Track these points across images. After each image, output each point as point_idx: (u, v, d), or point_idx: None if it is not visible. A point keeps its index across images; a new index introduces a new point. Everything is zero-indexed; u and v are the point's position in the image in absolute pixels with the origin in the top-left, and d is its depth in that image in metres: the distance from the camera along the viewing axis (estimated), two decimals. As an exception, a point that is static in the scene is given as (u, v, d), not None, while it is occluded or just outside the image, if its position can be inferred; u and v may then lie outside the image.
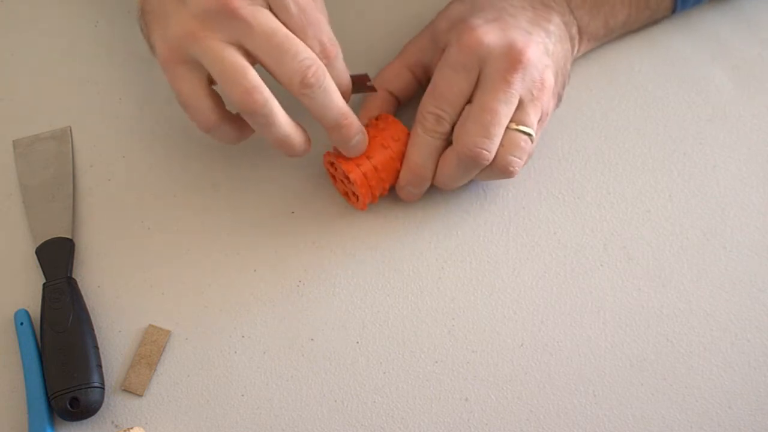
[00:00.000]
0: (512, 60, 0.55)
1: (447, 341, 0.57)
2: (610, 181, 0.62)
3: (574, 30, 0.62)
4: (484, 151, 0.55)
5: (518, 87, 0.55)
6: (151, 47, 0.56)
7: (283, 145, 0.55)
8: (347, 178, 0.57)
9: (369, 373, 0.57)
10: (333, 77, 0.54)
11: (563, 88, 0.60)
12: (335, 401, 0.56)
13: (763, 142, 0.63)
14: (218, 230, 0.61)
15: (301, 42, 0.52)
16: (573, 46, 0.62)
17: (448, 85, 0.56)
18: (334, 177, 0.61)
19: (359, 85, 0.58)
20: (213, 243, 0.61)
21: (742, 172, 0.63)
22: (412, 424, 0.55)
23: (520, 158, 0.56)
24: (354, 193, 0.59)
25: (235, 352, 0.57)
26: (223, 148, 0.63)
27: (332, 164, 0.59)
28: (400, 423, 0.55)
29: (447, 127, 0.57)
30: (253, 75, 0.52)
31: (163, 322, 0.58)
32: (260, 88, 0.52)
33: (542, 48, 0.57)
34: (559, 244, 0.60)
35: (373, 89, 0.59)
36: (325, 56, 0.53)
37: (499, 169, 0.57)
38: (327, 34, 0.54)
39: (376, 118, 0.59)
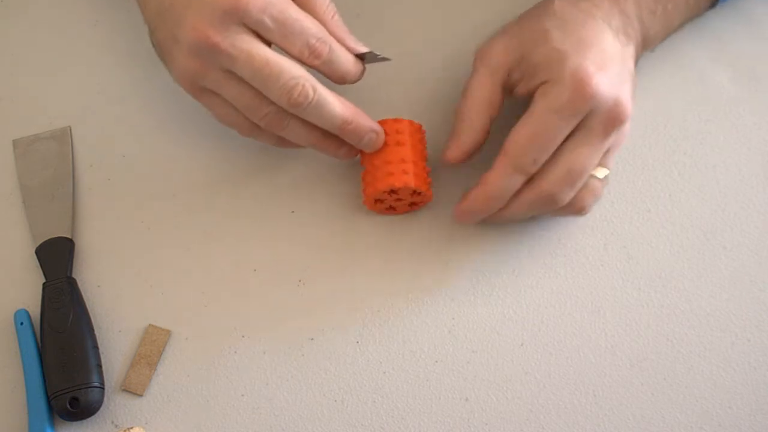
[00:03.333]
0: (615, 117, 0.54)
1: (447, 341, 0.57)
2: (610, 180, 0.62)
3: (640, 38, 0.60)
4: (564, 198, 0.55)
5: (612, 141, 0.55)
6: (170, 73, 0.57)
7: None
8: (401, 190, 0.57)
9: (369, 373, 0.56)
10: (334, 68, 0.55)
11: None
12: (335, 401, 0.56)
13: (763, 142, 0.63)
14: (218, 230, 0.61)
15: (283, 60, 0.53)
16: (636, 62, 0.61)
17: (553, 133, 0.54)
18: (383, 206, 0.60)
19: (371, 59, 0.57)
20: (213, 243, 0.61)
21: (742, 172, 0.62)
22: (412, 424, 0.55)
23: (593, 203, 0.57)
24: (415, 201, 0.59)
25: (235, 352, 0.57)
26: (223, 148, 0.64)
27: (380, 200, 0.59)
28: (400, 423, 0.55)
29: (539, 167, 0.55)
30: (266, 104, 0.54)
31: (163, 322, 0.58)
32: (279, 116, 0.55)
33: (630, 96, 0.56)
34: (560, 244, 0.60)
35: (385, 59, 0.58)
36: (316, 57, 0.54)
37: (571, 211, 0.57)
38: (313, 34, 0.54)
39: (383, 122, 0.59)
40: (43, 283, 0.58)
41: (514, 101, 0.58)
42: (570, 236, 0.60)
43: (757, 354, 0.57)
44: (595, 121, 0.54)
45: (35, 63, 0.68)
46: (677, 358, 0.57)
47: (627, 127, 0.56)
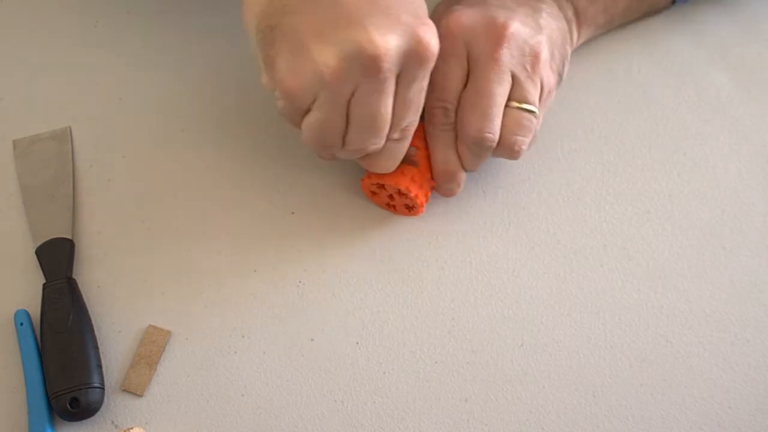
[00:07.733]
0: (495, 36, 0.55)
1: (447, 342, 0.57)
2: (610, 181, 0.62)
3: (570, 13, 0.61)
4: (488, 134, 0.55)
5: (508, 63, 0.55)
6: (268, 66, 0.51)
7: None
8: (400, 193, 0.58)
9: (369, 373, 0.57)
10: (391, 149, 0.55)
11: (563, 66, 0.60)
12: (335, 401, 0.56)
13: (763, 142, 0.64)
14: (218, 230, 0.61)
15: (387, 126, 0.52)
16: (571, 30, 0.62)
17: (442, 76, 0.56)
18: (376, 197, 0.61)
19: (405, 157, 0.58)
20: (213, 243, 0.61)
21: (742, 172, 0.63)
22: (412, 424, 0.55)
23: (524, 137, 0.56)
24: (408, 205, 0.59)
25: (235, 352, 0.57)
26: (222, 148, 0.64)
27: (376, 185, 0.59)
28: (400, 423, 0.55)
29: (454, 117, 0.57)
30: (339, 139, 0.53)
31: (163, 322, 0.58)
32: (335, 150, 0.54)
33: (530, 22, 0.57)
34: (559, 245, 0.60)
35: (415, 164, 0.58)
36: (400, 134, 0.54)
37: (505, 150, 0.56)
38: (416, 119, 0.54)
39: None
40: (43, 284, 0.58)
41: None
42: (570, 236, 0.60)
43: (757, 354, 0.57)
44: (477, 50, 0.55)
45: (35, 63, 0.68)
46: (677, 359, 0.57)
47: (533, 53, 0.56)
